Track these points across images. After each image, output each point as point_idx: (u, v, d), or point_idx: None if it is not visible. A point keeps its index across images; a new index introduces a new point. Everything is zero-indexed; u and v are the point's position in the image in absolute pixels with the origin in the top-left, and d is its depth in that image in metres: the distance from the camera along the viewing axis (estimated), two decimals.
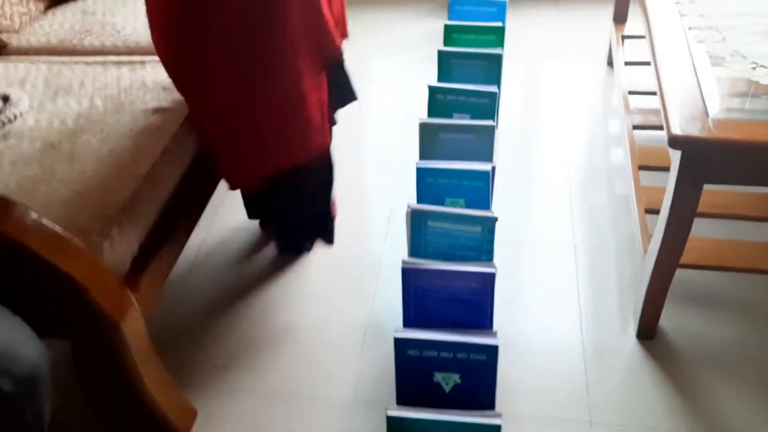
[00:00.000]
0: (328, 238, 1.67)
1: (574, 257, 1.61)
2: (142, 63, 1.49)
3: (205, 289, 1.59)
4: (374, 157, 1.98)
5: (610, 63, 2.23)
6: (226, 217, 1.78)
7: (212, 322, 1.51)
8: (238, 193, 1.64)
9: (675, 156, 1.12)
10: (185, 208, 1.34)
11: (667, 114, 1.11)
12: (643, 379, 1.34)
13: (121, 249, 1.12)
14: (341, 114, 1.59)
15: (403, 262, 1.34)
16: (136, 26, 1.62)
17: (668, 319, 1.41)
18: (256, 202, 1.65)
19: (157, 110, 1.33)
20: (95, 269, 1.03)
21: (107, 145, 1.25)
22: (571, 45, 2.38)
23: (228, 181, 1.40)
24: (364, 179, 1.90)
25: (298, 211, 1.57)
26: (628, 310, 1.47)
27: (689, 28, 1.32)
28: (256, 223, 1.74)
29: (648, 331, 1.40)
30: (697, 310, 1.46)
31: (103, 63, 1.50)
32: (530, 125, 2.04)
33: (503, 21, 2.19)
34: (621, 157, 1.89)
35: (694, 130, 1.07)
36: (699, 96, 1.14)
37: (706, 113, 1.10)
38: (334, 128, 1.57)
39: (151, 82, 1.42)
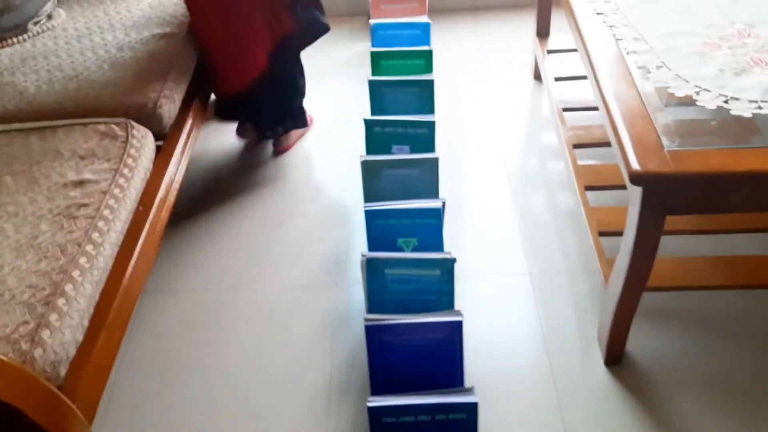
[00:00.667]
0: (301, 124, 2.04)
1: (531, 284, 1.59)
2: (53, 129, 1.35)
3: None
4: (314, 196, 1.89)
5: (537, 77, 2.23)
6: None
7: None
8: None
9: (635, 191, 1.10)
10: None
11: (624, 150, 1.08)
12: (616, 405, 1.32)
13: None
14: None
15: (366, 320, 1.27)
16: (41, 85, 1.48)
17: (632, 341, 1.41)
18: (234, 104, 1.89)
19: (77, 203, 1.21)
20: (28, 385, 0.91)
21: (23, 232, 1.11)
22: (494, 60, 2.37)
23: (224, 86, 1.77)
24: (306, 221, 1.81)
25: (274, 102, 1.90)
26: (592, 336, 1.46)
27: (627, 53, 1.31)
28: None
29: (615, 358, 1.39)
30: (659, 328, 1.46)
31: (8, 132, 1.36)
32: (465, 147, 2.01)
33: (429, 43, 2.15)
34: (560, 173, 1.88)
35: (653, 165, 1.05)
36: (651, 127, 1.12)
37: (662, 145, 1.09)
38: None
39: (67, 151, 1.29)
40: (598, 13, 1.44)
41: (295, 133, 2.08)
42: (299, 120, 2.04)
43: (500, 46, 2.44)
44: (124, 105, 1.42)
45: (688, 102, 1.19)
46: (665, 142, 1.10)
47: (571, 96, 1.92)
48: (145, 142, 1.34)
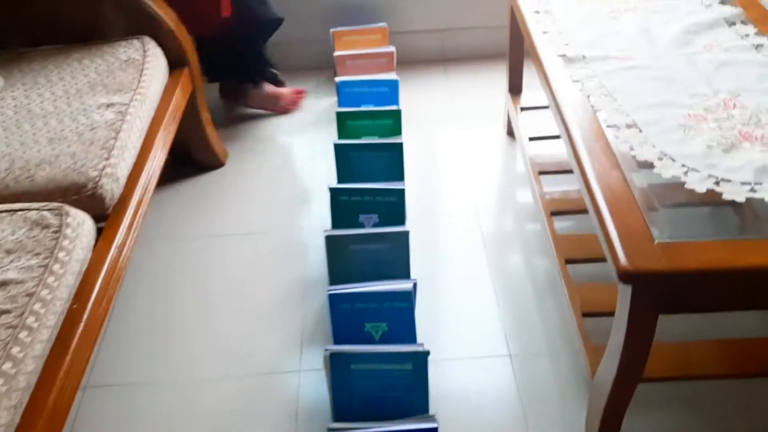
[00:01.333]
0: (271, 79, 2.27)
1: (512, 367, 1.47)
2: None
3: None
4: (270, 274, 1.76)
5: (510, 132, 2.15)
6: None
7: None
8: None
9: (624, 288, 0.99)
10: None
11: (611, 242, 0.98)
12: None
13: None
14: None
15: (329, 430, 1.14)
16: None
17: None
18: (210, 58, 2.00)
19: None
20: None
21: None
22: (466, 114, 2.29)
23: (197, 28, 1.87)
24: (262, 300, 1.68)
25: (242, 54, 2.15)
26: (579, 425, 1.34)
27: (607, 126, 1.22)
28: None
29: None
30: (652, 416, 1.35)
31: None
32: (437, 211, 1.90)
33: (398, 101, 2.06)
34: (538, 236, 1.78)
35: (643, 262, 0.95)
36: (639, 215, 1.02)
37: (651, 237, 0.99)
38: None
39: (11, 241, 1.15)
40: (574, 81, 1.35)
41: (266, 92, 2.26)
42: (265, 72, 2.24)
43: (472, 100, 2.35)
44: (60, 187, 1.29)
45: (676, 183, 1.09)
46: (655, 232, 1.00)
47: (546, 155, 1.83)
48: (81, 230, 1.21)
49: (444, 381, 1.43)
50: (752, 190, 1.05)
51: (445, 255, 1.75)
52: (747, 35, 1.43)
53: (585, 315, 1.37)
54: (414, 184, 1.95)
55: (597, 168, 1.12)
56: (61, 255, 1.15)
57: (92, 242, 1.25)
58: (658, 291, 0.98)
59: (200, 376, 1.48)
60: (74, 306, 1.15)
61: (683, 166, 1.11)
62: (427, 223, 1.85)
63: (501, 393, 1.42)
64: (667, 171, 1.11)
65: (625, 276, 0.95)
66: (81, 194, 1.29)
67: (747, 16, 1.49)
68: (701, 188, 1.07)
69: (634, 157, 1.14)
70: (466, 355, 1.50)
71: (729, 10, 1.51)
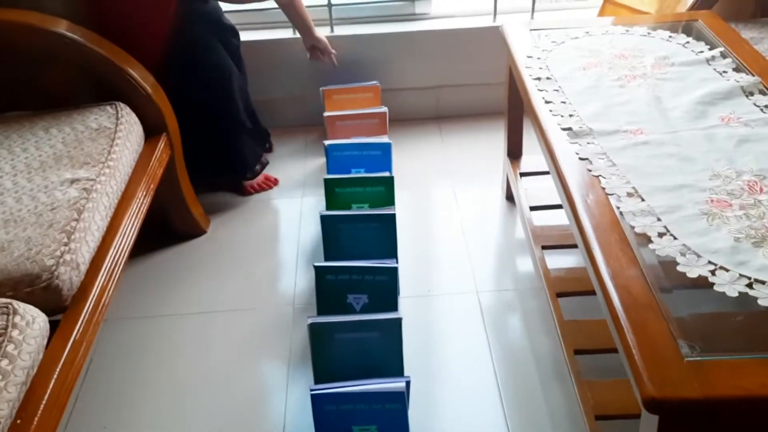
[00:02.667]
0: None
1: None
2: None
3: None
4: (250, 360, 1.60)
5: (509, 197, 2.03)
6: None
7: None
8: None
9: (650, 419, 0.85)
10: None
11: (634, 361, 0.85)
12: None
13: None
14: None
15: None
16: None
17: None
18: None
19: None
20: None
21: None
22: (462, 176, 2.16)
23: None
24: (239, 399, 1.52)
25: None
26: None
27: (621, 213, 1.10)
28: None
29: None
30: None
31: None
32: (433, 285, 1.76)
33: (390, 167, 1.95)
34: (542, 311, 1.64)
35: (673, 389, 0.81)
36: (664, 325, 0.89)
37: (680, 353, 0.85)
38: None
39: None
40: (581, 159, 1.23)
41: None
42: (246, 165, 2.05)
43: (468, 161, 2.23)
44: (10, 279, 1.15)
45: (703, 284, 0.96)
46: (684, 348, 0.86)
47: (549, 225, 1.70)
48: (29, 331, 1.07)
49: None
50: None
51: (442, 338, 1.60)
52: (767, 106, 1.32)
53: (598, 418, 1.22)
54: (408, 255, 1.82)
55: (612, 265, 0.99)
56: (4, 364, 1.01)
57: (44, 343, 1.11)
58: (689, 421, 0.84)
59: None
60: (18, 422, 1.01)
61: (710, 263, 0.99)
62: (422, 302, 1.71)
63: None
64: (692, 270, 0.98)
65: (651, 405, 0.81)
66: (34, 286, 1.16)
67: (765, 84, 1.39)
68: (732, 291, 0.94)
69: (654, 251, 1.02)
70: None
71: (746, 79, 1.41)
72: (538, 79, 1.49)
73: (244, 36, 2.13)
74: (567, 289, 1.50)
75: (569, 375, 1.32)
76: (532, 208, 1.76)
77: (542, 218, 1.75)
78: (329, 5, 2.22)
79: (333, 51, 2.17)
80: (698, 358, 0.85)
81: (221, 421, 1.42)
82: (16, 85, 1.65)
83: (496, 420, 1.40)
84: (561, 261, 1.67)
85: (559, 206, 1.71)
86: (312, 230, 1.94)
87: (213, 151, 1.97)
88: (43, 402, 1.06)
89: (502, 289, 1.74)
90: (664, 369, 0.83)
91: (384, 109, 2.17)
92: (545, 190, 1.78)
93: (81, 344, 1.20)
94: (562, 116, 1.35)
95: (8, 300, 1.10)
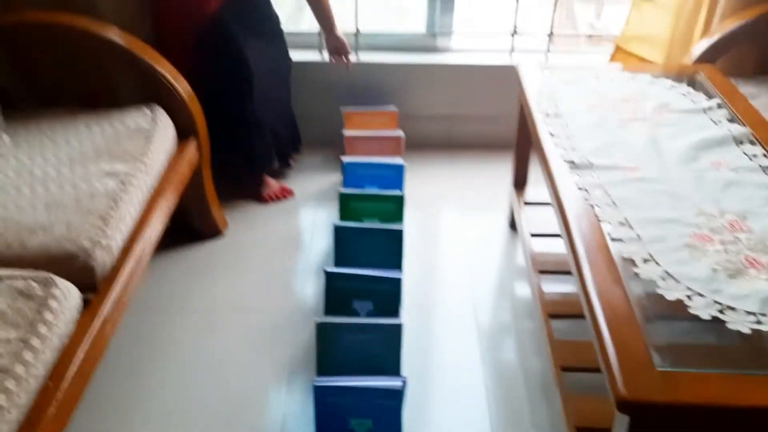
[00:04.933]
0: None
1: None
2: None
3: None
4: (257, 355, 1.70)
5: (512, 225, 2.13)
6: None
7: None
8: None
9: (621, 418, 0.94)
10: None
11: (610, 367, 0.95)
12: None
13: None
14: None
15: None
16: None
17: None
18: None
19: None
20: None
21: None
22: (469, 202, 2.28)
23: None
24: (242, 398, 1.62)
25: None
26: None
27: (611, 239, 1.20)
28: None
29: None
30: None
31: None
32: (434, 301, 1.86)
33: (401, 187, 2.06)
34: (535, 333, 1.73)
35: (643, 392, 0.91)
36: (641, 339, 0.99)
37: (652, 363, 0.95)
38: None
39: None
40: (579, 188, 1.34)
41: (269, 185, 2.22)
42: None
43: (476, 188, 2.35)
44: (51, 255, 1.26)
45: (679, 307, 1.06)
46: (656, 359, 0.96)
47: (548, 252, 1.81)
48: (66, 303, 1.18)
49: None
50: (758, 321, 1.02)
51: (438, 349, 1.70)
52: (755, 155, 1.43)
53: (579, 429, 1.31)
54: (412, 269, 1.93)
55: (599, 283, 1.10)
56: (43, 330, 1.11)
57: (76, 315, 1.22)
58: (656, 422, 0.93)
59: None
60: (49, 384, 1.11)
61: (688, 289, 1.09)
62: (423, 313, 1.81)
63: None
64: (670, 293, 1.08)
65: (622, 405, 0.91)
66: (72, 264, 1.27)
67: (755, 135, 1.50)
68: (705, 315, 1.04)
69: (638, 275, 1.12)
70: None
71: (737, 129, 1.52)
72: (546, 114, 1.61)
73: None
74: (560, 311, 1.60)
75: (555, 388, 1.42)
76: (533, 235, 1.87)
77: (542, 245, 1.85)
78: (356, 33, 2.36)
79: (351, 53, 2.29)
80: (668, 369, 0.95)
81: (223, 411, 1.52)
82: (64, 82, 1.79)
83: (482, 425, 1.49)
84: (557, 287, 1.76)
85: (557, 235, 1.82)
86: (324, 239, 2.05)
87: (223, 140, 2.05)
88: (74, 369, 1.16)
89: (499, 308, 1.84)
90: (637, 375, 0.93)
91: (400, 132, 2.30)
92: (546, 219, 1.89)
93: (108, 322, 1.30)
94: (565, 149, 1.46)
95: (48, 274, 1.21)
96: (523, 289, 1.91)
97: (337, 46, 2.25)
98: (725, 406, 0.91)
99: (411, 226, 2.09)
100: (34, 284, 1.18)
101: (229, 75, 1.99)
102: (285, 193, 2.24)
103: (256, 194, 2.22)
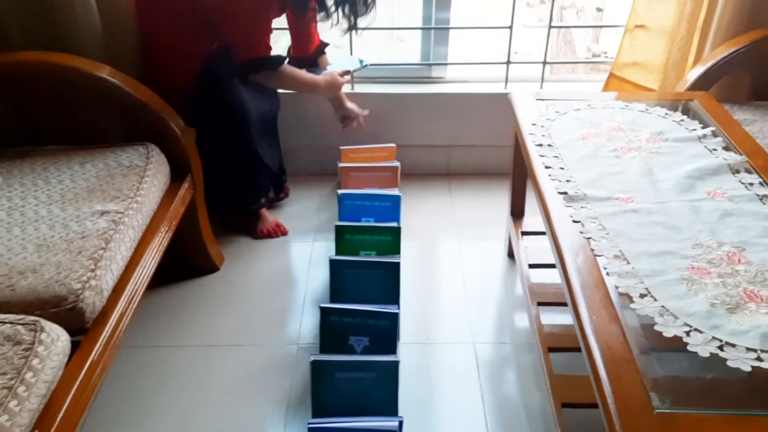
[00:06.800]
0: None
1: None
2: None
3: None
4: (252, 393, 1.68)
5: (510, 255, 2.12)
6: None
7: None
8: None
9: None
10: None
11: (608, 409, 0.92)
12: None
13: None
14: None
15: None
16: None
17: None
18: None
19: None
20: None
21: None
22: (467, 231, 2.26)
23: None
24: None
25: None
26: None
27: (607, 273, 1.18)
28: None
29: None
30: None
31: None
32: (431, 333, 1.83)
33: (398, 218, 2.05)
34: (534, 366, 1.70)
35: None
36: (638, 378, 0.97)
37: (651, 405, 0.93)
38: None
39: None
40: (574, 221, 1.33)
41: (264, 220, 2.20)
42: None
43: (474, 217, 2.33)
44: (40, 299, 1.25)
45: (678, 345, 1.04)
46: (655, 400, 0.94)
47: (546, 283, 1.79)
48: (53, 348, 1.16)
49: None
50: (758, 358, 1.00)
51: (437, 385, 1.67)
52: (752, 184, 1.42)
53: None
54: (410, 301, 1.91)
55: (596, 323, 1.08)
56: (29, 376, 1.09)
57: (65, 360, 1.20)
58: None
59: None
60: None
61: (686, 324, 1.07)
62: (420, 347, 1.78)
63: None
64: (668, 330, 1.06)
65: None
66: (61, 307, 1.25)
67: (751, 164, 1.49)
68: (704, 352, 1.02)
69: (635, 311, 1.10)
70: None
71: (733, 157, 1.51)
72: (540, 145, 1.60)
73: None
74: (559, 344, 1.58)
75: (556, 428, 1.38)
76: (531, 266, 1.85)
77: (540, 276, 1.83)
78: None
79: (363, 112, 2.33)
80: (667, 411, 0.92)
81: None
82: (58, 121, 1.79)
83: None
84: (556, 318, 1.74)
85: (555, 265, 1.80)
86: (321, 274, 2.03)
87: (218, 177, 2.05)
88: (60, 416, 1.14)
89: (499, 342, 1.81)
90: (635, 418, 0.91)
91: (396, 163, 2.29)
92: (544, 249, 1.86)
93: (98, 365, 1.28)
94: (559, 181, 1.45)
95: (36, 318, 1.19)
96: (523, 320, 1.89)
97: (347, 116, 2.31)
98: None
99: (408, 257, 2.07)
100: (21, 329, 1.16)
101: (224, 114, 1.99)
102: (279, 230, 2.23)
103: (251, 230, 2.21)
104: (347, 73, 2.23)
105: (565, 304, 1.69)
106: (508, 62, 2.39)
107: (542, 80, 2.43)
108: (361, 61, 2.25)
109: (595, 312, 1.09)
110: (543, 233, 1.95)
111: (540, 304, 1.72)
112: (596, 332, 1.05)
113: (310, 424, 1.32)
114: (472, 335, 1.82)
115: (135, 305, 1.45)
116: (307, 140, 2.44)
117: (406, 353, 1.73)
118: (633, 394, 0.94)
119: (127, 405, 1.60)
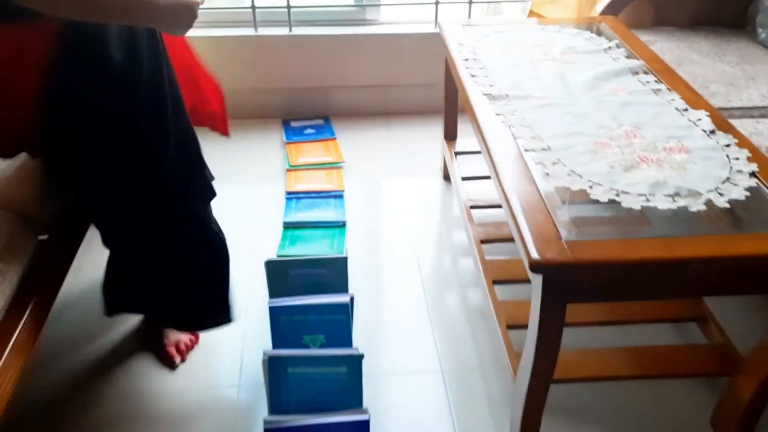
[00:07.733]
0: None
1: (443, 383, 1.54)
2: None
3: None
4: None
5: (446, 177, 2.30)
6: None
7: None
8: None
9: (536, 280, 1.10)
10: None
11: (524, 241, 1.10)
12: None
13: None
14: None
15: (266, 422, 1.18)
16: None
17: None
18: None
19: None
20: None
21: None
22: (406, 164, 2.41)
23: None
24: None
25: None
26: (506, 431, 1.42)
27: (525, 150, 1.37)
28: None
29: None
30: (571, 422, 1.44)
31: None
32: (376, 246, 2.00)
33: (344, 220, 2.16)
34: (470, 270, 1.90)
35: (552, 254, 1.07)
36: (550, 220, 1.15)
37: (560, 236, 1.11)
38: None
39: None
40: (497, 114, 1.51)
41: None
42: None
43: (411, 151, 2.49)
44: None
45: (582, 196, 1.23)
46: (563, 233, 1.12)
47: (478, 194, 1.97)
48: None
49: (377, 392, 1.50)
50: (647, 200, 1.20)
51: (383, 286, 1.84)
52: (648, 82, 1.63)
53: (509, 327, 1.47)
54: (356, 236, 2.03)
55: (514, 181, 1.26)
56: None
57: None
58: (564, 280, 1.10)
59: None
60: None
61: (589, 181, 1.26)
62: (368, 261, 1.94)
63: (432, 405, 1.49)
64: (575, 185, 1.25)
65: (535, 266, 1.07)
66: None
67: (648, 67, 1.70)
68: (604, 198, 1.21)
69: (547, 174, 1.28)
70: (399, 370, 1.58)
71: (633, 62, 1.72)
72: (467, 59, 1.77)
73: (207, 32, 2.37)
74: (490, 237, 1.77)
75: (488, 300, 1.57)
76: (464, 179, 2.03)
77: (473, 187, 2.01)
78: (288, 7, 2.48)
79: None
80: (573, 239, 1.11)
81: None
82: None
83: (425, 335, 1.65)
84: (489, 218, 1.92)
85: (487, 177, 1.99)
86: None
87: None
88: None
89: (439, 251, 1.99)
90: (546, 244, 1.09)
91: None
92: (477, 168, 2.06)
93: None
94: (483, 86, 1.63)
95: None
96: (460, 236, 2.06)
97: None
98: (618, 262, 1.07)
99: (351, 193, 2.21)
100: None
101: None
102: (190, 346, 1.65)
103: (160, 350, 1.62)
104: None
105: (495, 207, 1.90)
106: (437, 2, 2.55)
107: (469, 16, 2.61)
108: None
109: (515, 176, 1.27)
110: (475, 152, 2.15)
111: (473, 207, 1.90)
112: (515, 189, 1.23)
113: (270, 302, 1.46)
114: (415, 251, 1.98)
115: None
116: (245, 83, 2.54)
117: (353, 264, 1.89)
118: (545, 230, 1.13)
119: None
